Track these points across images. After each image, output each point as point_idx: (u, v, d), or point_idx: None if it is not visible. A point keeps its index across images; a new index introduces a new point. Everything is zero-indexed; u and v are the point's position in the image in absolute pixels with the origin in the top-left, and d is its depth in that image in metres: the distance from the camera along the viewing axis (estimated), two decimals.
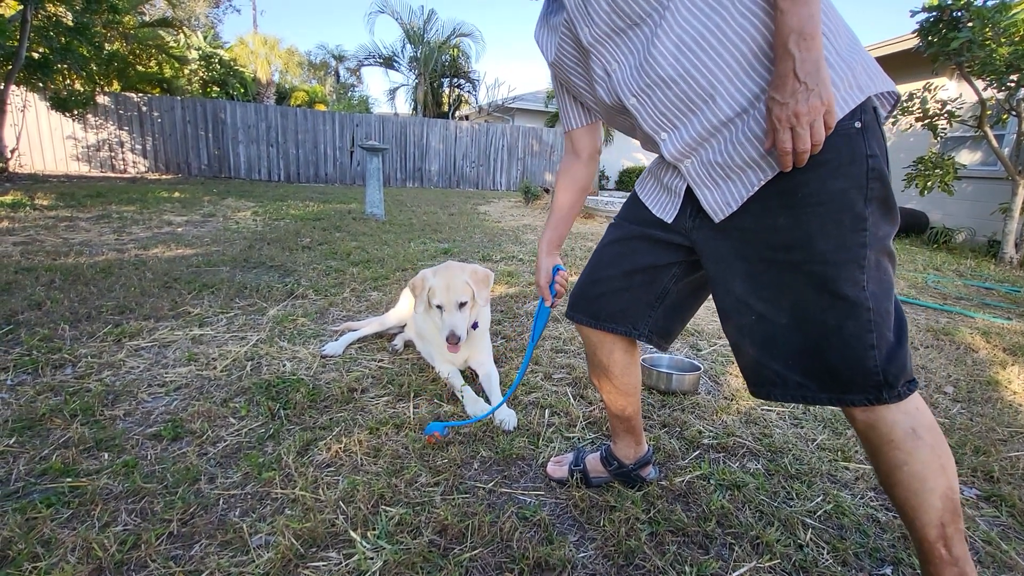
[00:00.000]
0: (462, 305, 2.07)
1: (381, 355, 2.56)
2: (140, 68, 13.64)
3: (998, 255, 6.56)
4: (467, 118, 24.68)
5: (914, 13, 6.36)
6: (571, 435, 1.94)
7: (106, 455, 1.65)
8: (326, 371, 2.34)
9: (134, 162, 13.11)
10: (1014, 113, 6.41)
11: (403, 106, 24.41)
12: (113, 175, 12.24)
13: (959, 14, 5.99)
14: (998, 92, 6.30)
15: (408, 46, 19.51)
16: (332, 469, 1.64)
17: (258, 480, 1.57)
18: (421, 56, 19.03)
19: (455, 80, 21.24)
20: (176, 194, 8.65)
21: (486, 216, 8.66)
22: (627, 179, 22.15)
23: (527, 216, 8.84)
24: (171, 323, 2.79)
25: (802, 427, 2.11)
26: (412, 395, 2.15)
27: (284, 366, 2.35)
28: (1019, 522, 1.62)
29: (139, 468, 1.59)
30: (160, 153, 13.27)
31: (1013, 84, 5.99)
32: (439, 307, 2.08)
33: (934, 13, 6.19)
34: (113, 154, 12.93)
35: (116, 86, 13.23)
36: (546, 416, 2.05)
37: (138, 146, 13.08)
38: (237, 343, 2.58)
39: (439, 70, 19.91)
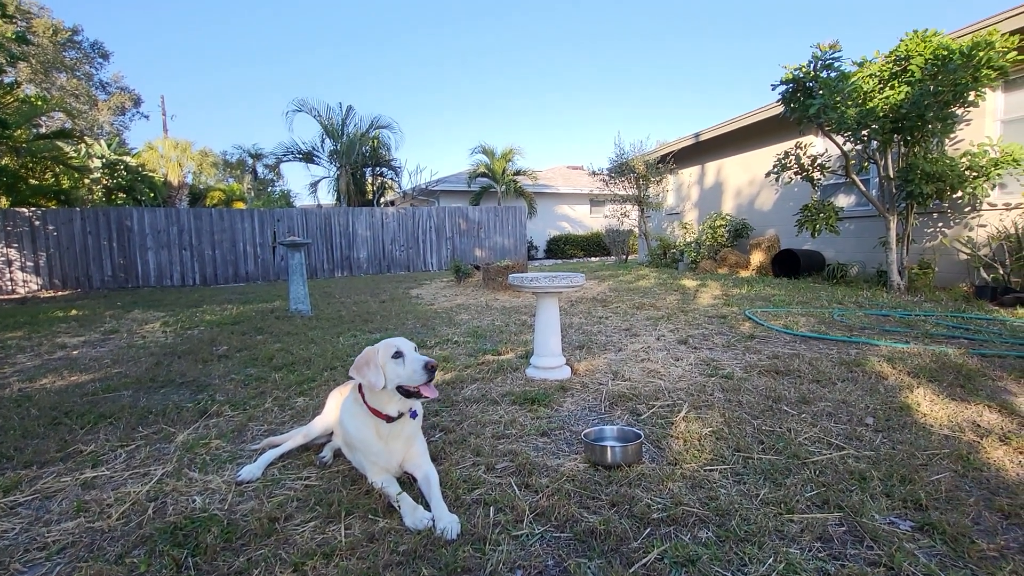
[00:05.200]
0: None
1: (308, 471, 2.35)
2: (33, 181, 12.88)
3: (887, 284, 7.27)
4: (392, 203, 25.03)
5: (775, 86, 7.37)
6: (519, 532, 1.82)
7: None
8: (244, 500, 2.10)
9: (24, 281, 12.07)
10: (872, 161, 7.38)
11: (326, 197, 24.45)
12: None
13: (811, 84, 6.98)
14: (855, 145, 7.28)
15: (328, 140, 19.89)
16: None
17: None
18: (341, 149, 19.40)
19: (377, 169, 21.68)
20: (73, 312, 7.95)
21: (419, 300, 8.59)
22: (555, 247, 23.09)
23: (460, 295, 8.85)
24: (58, 467, 2.44)
25: (744, 483, 2.12)
26: (344, 514, 1.96)
27: (194, 502, 2.09)
28: (953, 549, 1.67)
29: None
30: (56, 268, 12.33)
31: (865, 138, 6.94)
32: (397, 356, 2.10)
33: (791, 85, 7.19)
34: None
35: (4, 202, 12.35)
36: (491, 515, 1.93)
37: (29, 263, 12.10)
38: (138, 481, 2.28)
39: (360, 161, 20.29)
